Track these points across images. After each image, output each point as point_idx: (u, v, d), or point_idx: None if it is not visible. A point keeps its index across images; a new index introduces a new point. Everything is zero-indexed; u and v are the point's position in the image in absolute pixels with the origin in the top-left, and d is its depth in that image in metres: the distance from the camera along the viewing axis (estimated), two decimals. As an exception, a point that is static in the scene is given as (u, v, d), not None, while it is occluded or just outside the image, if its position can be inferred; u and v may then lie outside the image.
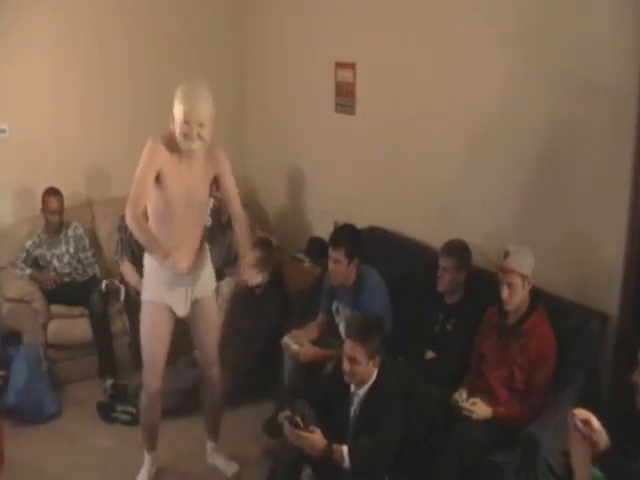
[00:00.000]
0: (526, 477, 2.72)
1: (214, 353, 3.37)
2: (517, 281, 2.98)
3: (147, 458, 3.42)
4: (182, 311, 3.19)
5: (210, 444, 3.55)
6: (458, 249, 3.43)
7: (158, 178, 2.95)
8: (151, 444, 3.41)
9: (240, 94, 5.56)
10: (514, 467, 2.74)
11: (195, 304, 3.22)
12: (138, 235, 2.95)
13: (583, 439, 2.14)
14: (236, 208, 3.26)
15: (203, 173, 3.06)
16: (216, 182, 3.18)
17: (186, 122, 2.85)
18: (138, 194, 2.91)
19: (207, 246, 3.28)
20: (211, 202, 4.44)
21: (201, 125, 2.86)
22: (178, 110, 2.87)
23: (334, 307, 3.76)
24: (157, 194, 2.99)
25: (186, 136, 2.86)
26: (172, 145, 2.93)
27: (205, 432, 3.55)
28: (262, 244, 4.20)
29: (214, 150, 3.07)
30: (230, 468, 3.49)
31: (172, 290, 3.12)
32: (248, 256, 4.10)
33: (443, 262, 3.40)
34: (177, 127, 2.88)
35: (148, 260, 3.14)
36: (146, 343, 3.19)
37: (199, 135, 2.87)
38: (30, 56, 4.61)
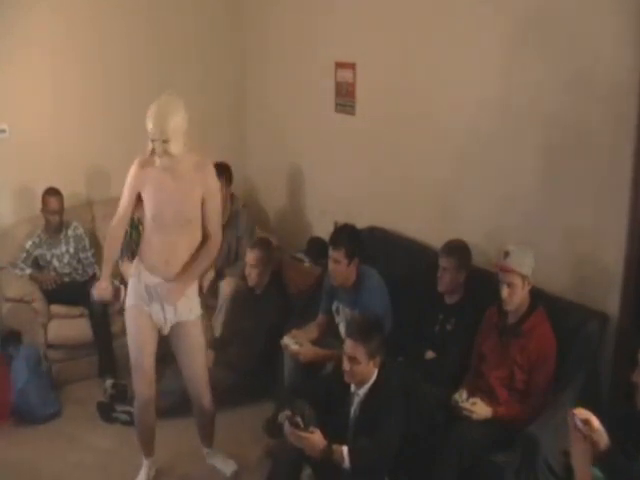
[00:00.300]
0: (526, 477, 2.72)
1: (203, 383, 3.27)
2: (517, 281, 2.98)
3: (145, 463, 3.40)
4: (163, 328, 3.17)
5: (206, 450, 3.54)
6: (458, 249, 3.43)
7: (141, 197, 3.04)
8: (148, 449, 3.39)
9: (240, 94, 5.56)
10: (514, 467, 2.74)
11: (176, 328, 3.17)
12: (105, 245, 3.25)
13: (583, 439, 2.14)
14: (211, 228, 3.13)
15: (191, 191, 3.02)
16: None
17: (152, 140, 2.88)
18: (119, 213, 3.13)
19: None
20: None
21: (166, 141, 2.86)
22: (147, 127, 2.89)
23: (334, 307, 3.76)
24: (146, 210, 3.06)
25: (153, 152, 2.92)
26: (151, 163, 3.00)
27: (199, 439, 3.53)
28: (261, 244, 4.20)
29: (204, 170, 3.04)
30: (229, 468, 3.49)
31: (152, 305, 3.12)
32: (248, 256, 4.11)
33: (443, 262, 3.39)
34: (148, 142, 2.93)
35: (134, 267, 3.17)
36: (132, 350, 3.17)
37: (166, 151, 2.87)
38: (30, 56, 4.61)
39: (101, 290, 3.15)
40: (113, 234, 3.16)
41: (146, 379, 3.19)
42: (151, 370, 3.19)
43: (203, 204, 3.07)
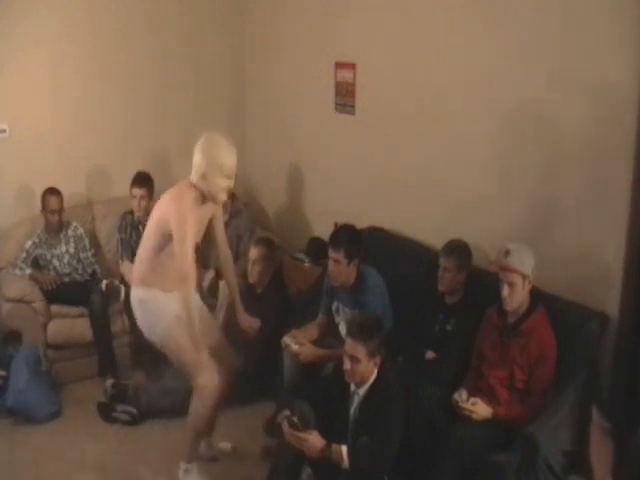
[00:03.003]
0: (526, 477, 2.72)
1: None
2: (517, 280, 2.98)
3: (195, 469, 3.32)
4: None
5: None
6: (459, 249, 3.43)
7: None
8: (196, 449, 3.36)
9: (240, 94, 5.56)
10: (514, 467, 2.74)
11: None
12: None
13: (604, 437, 2.10)
14: (224, 251, 3.40)
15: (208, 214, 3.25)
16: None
17: (229, 177, 3.04)
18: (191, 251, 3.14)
19: None
20: None
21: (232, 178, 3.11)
22: (219, 165, 3.02)
23: (334, 307, 3.76)
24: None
25: (225, 190, 3.08)
26: (197, 198, 3.10)
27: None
28: (265, 241, 4.20)
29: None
30: (225, 446, 3.58)
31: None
32: (251, 252, 4.12)
33: (444, 262, 3.39)
34: (216, 181, 3.04)
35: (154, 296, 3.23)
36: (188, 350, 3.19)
37: (230, 187, 3.12)
38: (30, 56, 4.61)
39: None
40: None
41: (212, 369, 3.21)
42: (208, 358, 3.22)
43: (213, 228, 3.31)
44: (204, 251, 4.31)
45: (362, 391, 2.91)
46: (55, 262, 4.51)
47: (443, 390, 3.10)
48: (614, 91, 2.96)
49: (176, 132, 5.20)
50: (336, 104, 4.61)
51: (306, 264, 4.62)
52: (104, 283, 4.37)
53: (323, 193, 4.87)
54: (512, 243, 3.10)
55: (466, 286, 3.42)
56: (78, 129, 4.84)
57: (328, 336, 3.74)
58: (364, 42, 4.30)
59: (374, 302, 3.51)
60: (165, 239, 3.10)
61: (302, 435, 2.75)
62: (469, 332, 3.27)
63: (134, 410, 3.87)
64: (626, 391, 3.01)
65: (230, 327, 4.25)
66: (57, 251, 4.52)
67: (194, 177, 3.09)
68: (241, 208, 4.69)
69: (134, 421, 3.85)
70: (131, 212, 4.52)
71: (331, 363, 3.36)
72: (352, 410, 2.94)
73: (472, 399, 2.97)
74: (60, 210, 4.47)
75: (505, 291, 3.00)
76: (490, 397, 3.02)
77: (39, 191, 4.50)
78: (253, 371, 3.95)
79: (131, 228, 4.50)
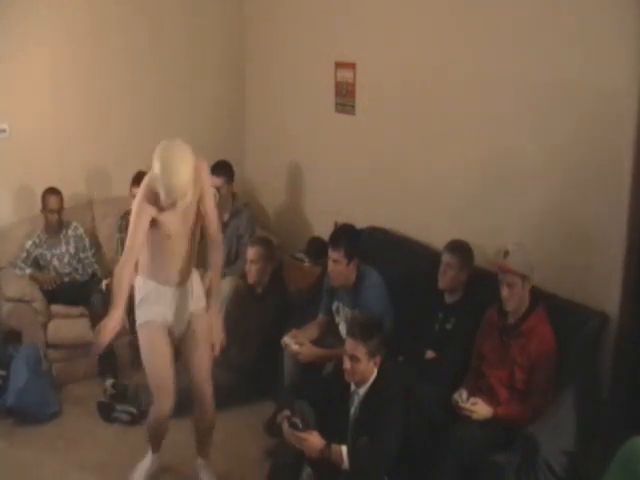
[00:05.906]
0: (526, 477, 2.72)
1: (205, 371, 3.20)
2: (517, 281, 2.99)
3: (150, 457, 3.36)
4: (180, 327, 3.17)
5: (200, 461, 3.40)
6: (462, 247, 3.43)
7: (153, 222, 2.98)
8: (157, 446, 3.36)
9: (240, 94, 5.56)
10: (514, 467, 2.74)
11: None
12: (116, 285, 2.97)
13: None
14: (213, 232, 3.13)
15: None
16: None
17: (168, 197, 2.82)
18: (131, 244, 2.98)
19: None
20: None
21: (184, 196, 2.82)
22: (157, 181, 2.81)
23: (334, 307, 3.76)
24: (152, 233, 2.99)
25: (171, 205, 2.86)
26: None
27: (195, 447, 3.40)
28: (262, 241, 4.21)
29: (197, 168, 2.92)
30: None
31: (170, 307, 3.12)
32: (249, 252, 4.11)
33: (447, 258, 3.39)
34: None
35: (142, 282, 3.12)
36: (153, 371, 3.09)
37: (183, 201, 2.85)
38: (30, 56, 4.61)
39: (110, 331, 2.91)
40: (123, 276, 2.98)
41: (170, 396, 3.11)
42: (172, 385, 3.11)
43: (202, 205, 3.09)
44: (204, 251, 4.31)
45: (362, 391, 2.91)
46: (55, 262, 4.51)
47: (443, 390, 3.10)
48: (614, 92, 2.96)
49: (176, 132, 5.18)
50: (336, 104, 4.61)
51: (306, 264, 4.63)
52: (104, 283, 4.36)
53: (323, 193, 4.87)
54: (511, 243, 3.11)
55: (466, 285, 3.42)
56: (78, 129, 4.83)
57: (328, 336, 3.74)
58: (364, 42, 4.30)
59: (374, 302, 3.51)
60: None
61: (302, 435, 2.75)
62: (469, 331, 3.27)
63: (134, 410, 3.87)
64: (626, 391, 3.02)
65: (230, 324, 4.26)
66: (57, 251, 4.52)
67: None
68: (241, 208, 4.68)
69: (134, 421, 3.84)
70: (131, 212, 4.51)
71: (331, 363, 3.36)
72: (352, 410, 2.94)
73: (472, 399, 2.97)
74: (60, 210, 4.47)
75: (505, 292, 3.01)
76: (490, 397, 3.02)
77: (39, 191, 4.50)
78: (253, 371, 3.96)
79: (122, 234, 4.48)
